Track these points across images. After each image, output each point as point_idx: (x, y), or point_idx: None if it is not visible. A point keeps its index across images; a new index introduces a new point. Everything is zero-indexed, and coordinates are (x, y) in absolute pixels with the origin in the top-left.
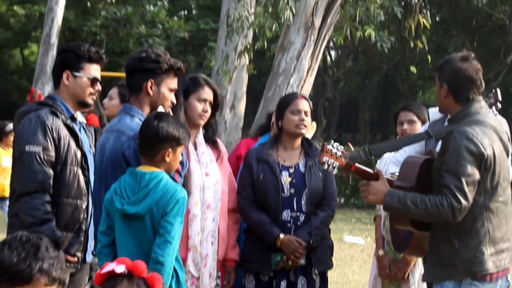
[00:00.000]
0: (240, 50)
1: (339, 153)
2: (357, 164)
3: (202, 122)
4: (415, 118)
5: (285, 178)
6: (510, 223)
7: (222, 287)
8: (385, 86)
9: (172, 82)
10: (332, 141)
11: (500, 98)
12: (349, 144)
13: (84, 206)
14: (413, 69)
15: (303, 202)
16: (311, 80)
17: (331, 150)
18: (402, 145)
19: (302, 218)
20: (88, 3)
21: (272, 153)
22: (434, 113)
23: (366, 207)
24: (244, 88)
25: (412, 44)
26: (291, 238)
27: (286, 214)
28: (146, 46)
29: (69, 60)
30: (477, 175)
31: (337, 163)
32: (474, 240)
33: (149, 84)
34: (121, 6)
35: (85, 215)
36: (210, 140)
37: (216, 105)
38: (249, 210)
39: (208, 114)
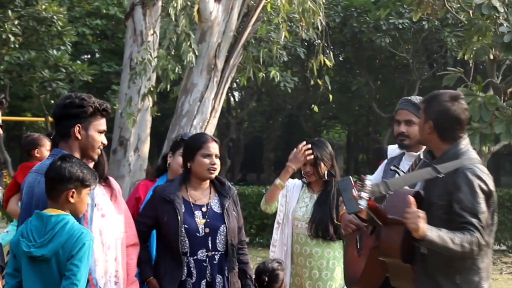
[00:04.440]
0: (143, 93)
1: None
2: (372, 200)
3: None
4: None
5: (199, 219)
6: None
7: None
8: (289, 125)
9: (100, 124)
10: (368, 176)
11: None
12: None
13: None
14: (316, 108)
15: (217, 241)
16: (214, 121)
17: (365, 184)
18: (415, 180)
19: (217, 257)
20: None
21: (182, 193)
22: (392, 150)
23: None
24: (148, 130)
25: (317, 83)
26: (155, 284)
27: (201, 254)
28: (50, 90)
29: None
30: (487, 212)
31: (367, 196)
32: (476, 276)
33: (76, 129)
34: (25, 51)
35: None
36: (102, 178)
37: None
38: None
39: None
